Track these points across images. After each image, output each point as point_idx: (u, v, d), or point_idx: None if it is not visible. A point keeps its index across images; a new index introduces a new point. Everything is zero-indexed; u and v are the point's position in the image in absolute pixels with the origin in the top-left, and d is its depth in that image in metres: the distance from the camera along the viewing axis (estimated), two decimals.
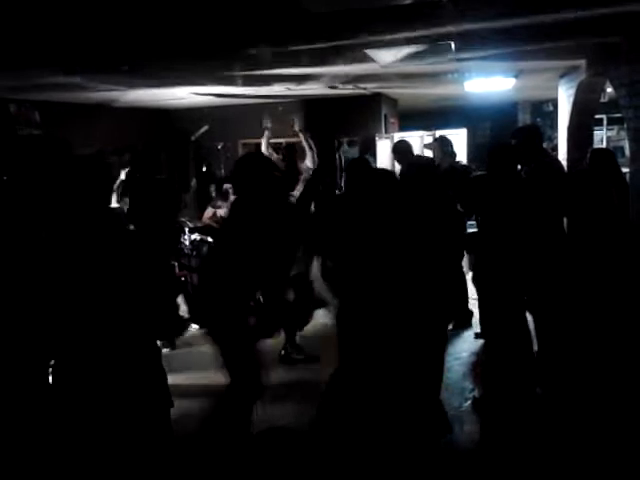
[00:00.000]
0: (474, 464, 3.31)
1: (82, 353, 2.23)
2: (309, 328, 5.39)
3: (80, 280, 2.18)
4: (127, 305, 2.24)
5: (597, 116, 7.93)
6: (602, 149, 7.39)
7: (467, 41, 4.49)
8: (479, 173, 4.84)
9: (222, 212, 7.49)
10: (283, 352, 5.23)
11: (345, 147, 9.18)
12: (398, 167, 7.27)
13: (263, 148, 7.09)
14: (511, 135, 4.80)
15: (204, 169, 7.77)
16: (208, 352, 5.85)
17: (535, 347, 3.98)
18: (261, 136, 7.12)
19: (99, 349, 2.22)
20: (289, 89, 7.37)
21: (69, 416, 2.26)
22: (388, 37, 4.22)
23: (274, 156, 7.08)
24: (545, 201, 4.23)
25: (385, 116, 9.30)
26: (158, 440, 2.39)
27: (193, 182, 6.83)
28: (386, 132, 9.21)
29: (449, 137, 6.36)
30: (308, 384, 4.73)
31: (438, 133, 8.75)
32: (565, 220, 4.57)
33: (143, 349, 2.34)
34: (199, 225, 7.52)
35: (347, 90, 7.85)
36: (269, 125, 7.02)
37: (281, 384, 4.81)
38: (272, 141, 8.39)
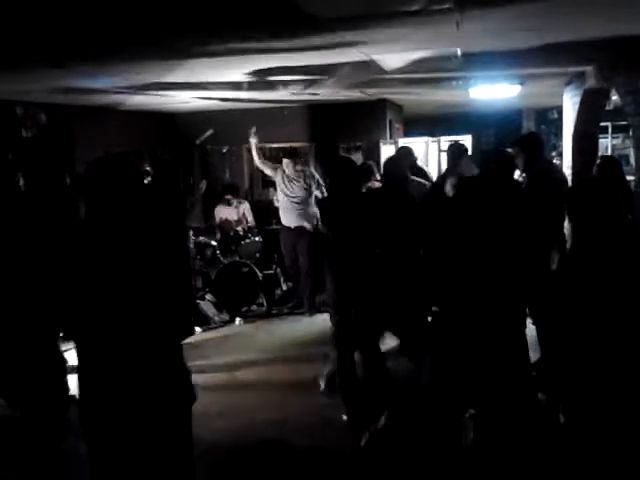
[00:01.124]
0: (477, 469, 3.29)
1: (105, 347, 2.28)
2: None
3: (102, 276, 2.22)
4: (147, 300, 2.27)
5: (602, 124, 7.92)
6: (610, 157, 7.39)
7: (473, 46, 4.49)
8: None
9: (224, 215, 7.53)
10: None
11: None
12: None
13: (255, 159, 7.12)
14: (511, 143, 4.86)
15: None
16: (213, 349, 5.87)
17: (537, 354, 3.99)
18: (268, 141, 7.13)
19: (122, 343, 2.26)
20: (294, 94, 7.39)
21: (95, 412, 2.33)
22: (394, 43, 4.23)
23: (268, 164, 7.13)
24: (544, 209, 4.25)
25: (390, 122, 9.32)
26: (179, 436, 2.43)
27: (202, 184, 6.85)
28: (391, 138, 9.22)
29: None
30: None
31: (443, 139, 8.78)
32: (570, 228, 4.55)
33: (165, 345, 2.37)
34: (218, 235, 7.47)
35: (352, 95, 7.86)
36: (254, 135, 7.01)
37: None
38: (278, 146, 8.44)
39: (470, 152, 8.07)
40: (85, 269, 2.23)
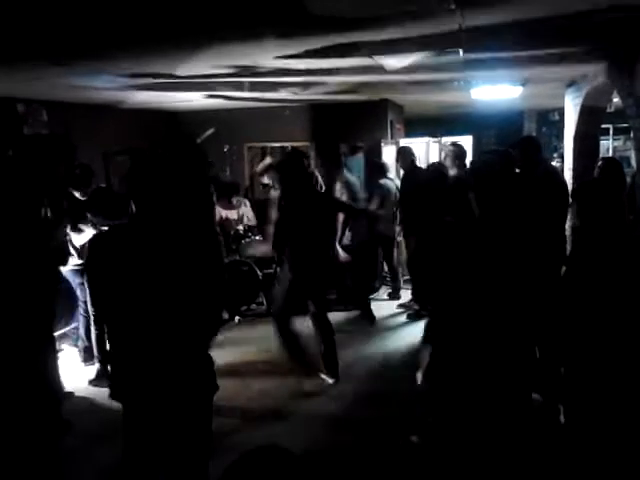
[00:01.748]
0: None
1: (133, 338, 2.36)
2: None
3: (143, 270, 2.29)
4: (182, 294, 2.34)
5: (603, 126, 7.92)
6: (612, 158, 7.39)
7: (475, 47, 4.48)
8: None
9: (224, 213, 7.51)
10: None
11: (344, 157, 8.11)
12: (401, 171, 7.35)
13: (257, 170, 7.20)
14: (510, 146, 4.87)
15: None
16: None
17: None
18: (270, 140, 7.15)
19: (154, 333, 2.34)
20: (295, 94, 7.39)
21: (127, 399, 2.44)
22: (397, 43, 4.22)
23: (264, 177, 7.18)
24: (551, 210, 4.25)
25: (391, 122, 9.30)
26: (201, 424, 2.49)
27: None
28: (392, 138, 9.21)
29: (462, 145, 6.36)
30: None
31: (444, 140, 8.77)
32: (571, 229, 4.55)
33: (194, 336, 2.43)
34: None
35: (353, 95, 7.86)
36: (270, 160, 7.24)
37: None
38: (277, 145, 8.45)
39: (470, 153, 8.09)
40: (129, 262, 2.30)
